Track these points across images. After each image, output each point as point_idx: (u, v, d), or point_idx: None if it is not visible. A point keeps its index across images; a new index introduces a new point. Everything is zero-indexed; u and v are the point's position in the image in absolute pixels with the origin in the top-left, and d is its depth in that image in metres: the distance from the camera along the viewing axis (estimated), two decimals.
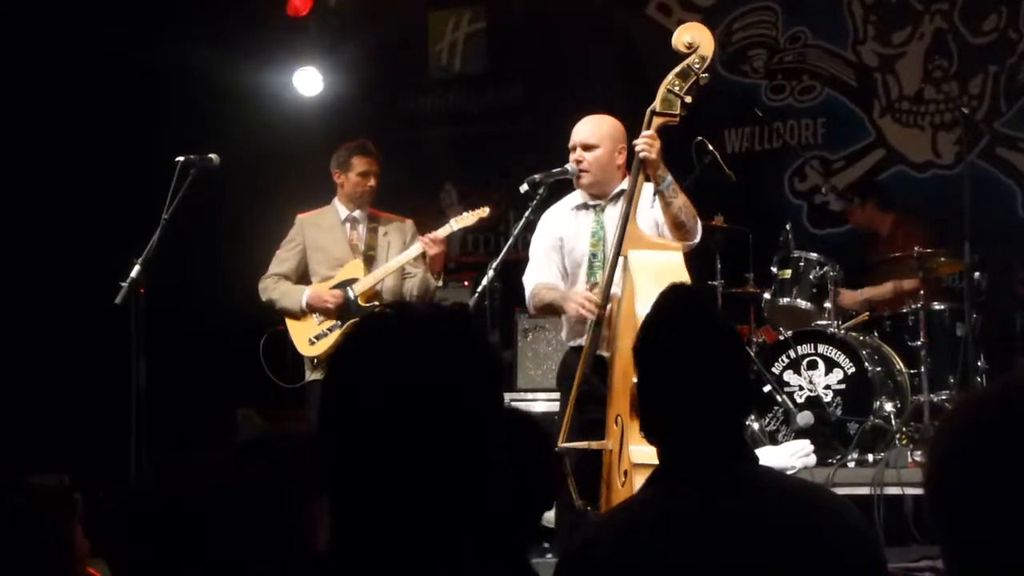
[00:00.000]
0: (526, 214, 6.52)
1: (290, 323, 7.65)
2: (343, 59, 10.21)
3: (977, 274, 7.89)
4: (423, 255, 7.49)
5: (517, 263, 6.82)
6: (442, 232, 7.39)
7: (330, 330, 7.47)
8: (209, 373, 9.08)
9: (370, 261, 7.62)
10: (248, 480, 2.30)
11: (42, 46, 9.25)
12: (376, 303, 7.42)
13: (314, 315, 7.55)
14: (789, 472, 7.16)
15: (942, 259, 8.14)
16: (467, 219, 7.50)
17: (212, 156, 7.07)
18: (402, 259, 7.53)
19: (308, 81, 9.83)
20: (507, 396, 8.91)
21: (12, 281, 8.97)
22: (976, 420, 1.60)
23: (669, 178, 6.00)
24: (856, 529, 2.65)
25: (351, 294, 7.50)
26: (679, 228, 6.05)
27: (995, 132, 9.48)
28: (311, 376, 7.53)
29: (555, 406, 7.14)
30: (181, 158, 7.02)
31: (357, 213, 7.72)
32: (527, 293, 6.57)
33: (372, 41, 10.33)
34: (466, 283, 9.34)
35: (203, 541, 2.23)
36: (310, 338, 7.53)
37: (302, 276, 7.72)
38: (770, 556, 2.53)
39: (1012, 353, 8.78)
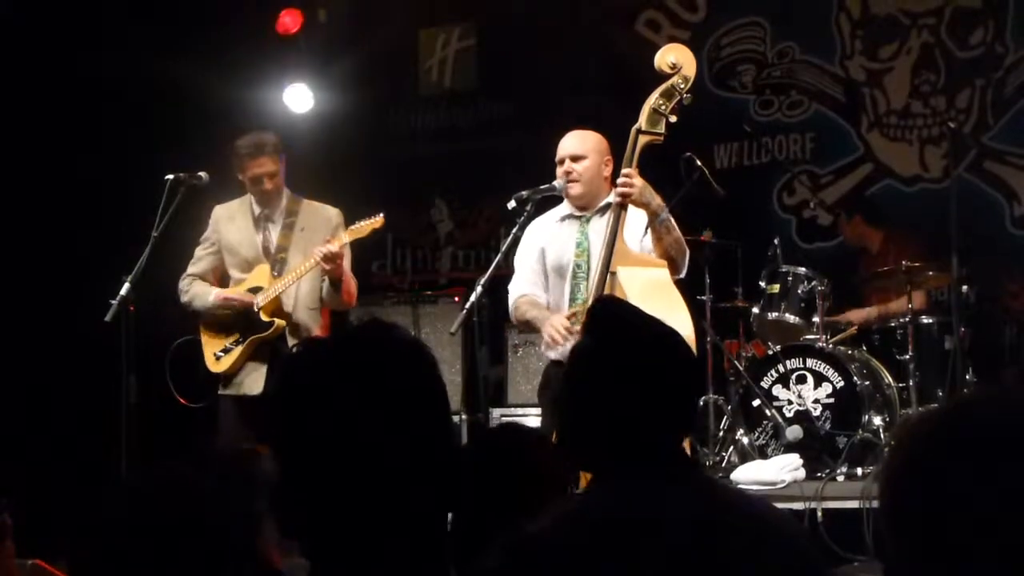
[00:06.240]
0: (514, 230, 6.54)
1: (203, 334, 7.20)
2: (333, 76, 10.23)
3: (965, 287, 7.93)
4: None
5: (505, 279, 6.84)
6: (334, 246, 6.79)
7: (235, 344, 7.03)
8: (198, 389, 9.07)
9: (280, 264, 7.09)
10: (202, 493, 2.33)
11: (32, 64, 9.27)
12: (276, 319, 6.94)
13: (221, 327, 7.10)
14: (779, 486, 7.20)
15: (930, 273, 8.17)
16: (361, 230, 6.88)
17: (201, 174, 7.07)
18: (301, 271, 6.95)
19: (298, 98, 9.84)
20: (498, 412, 8.97)
21: (2, 299, 8.98)
22: (927, 441, 1.63)
23: (665, 213, 6.01)
24: (797, 543, 2.60)
25: (255, 306, 7.01)
26: (668, 263, 6.07)
27: (983, 146, 9.51)
28: (222, 391, 7.08)
29: None
30: (171, 176, 7.04)
31: (268, 210, 7.19)
32: (510, 303, 6.61)
33: (362, 58, 10.35)
34: (456, 299, 9.36)
35: (160, 556, 2.25)
36: (216, 352, 7.09)
37: (223, 277, 7.26)
38: (703, 565, 2.49)
39: (1000, 366, 8.81)
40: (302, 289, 7.05)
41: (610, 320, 2.79)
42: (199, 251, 7.29)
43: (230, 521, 2.34)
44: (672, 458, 2.66)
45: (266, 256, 7.14)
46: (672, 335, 2.78)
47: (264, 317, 6.98)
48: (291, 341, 6.97)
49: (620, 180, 5.92)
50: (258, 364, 7.02)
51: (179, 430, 7.21)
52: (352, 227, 6.92)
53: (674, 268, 6.11)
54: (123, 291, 6.74)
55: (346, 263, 7.01)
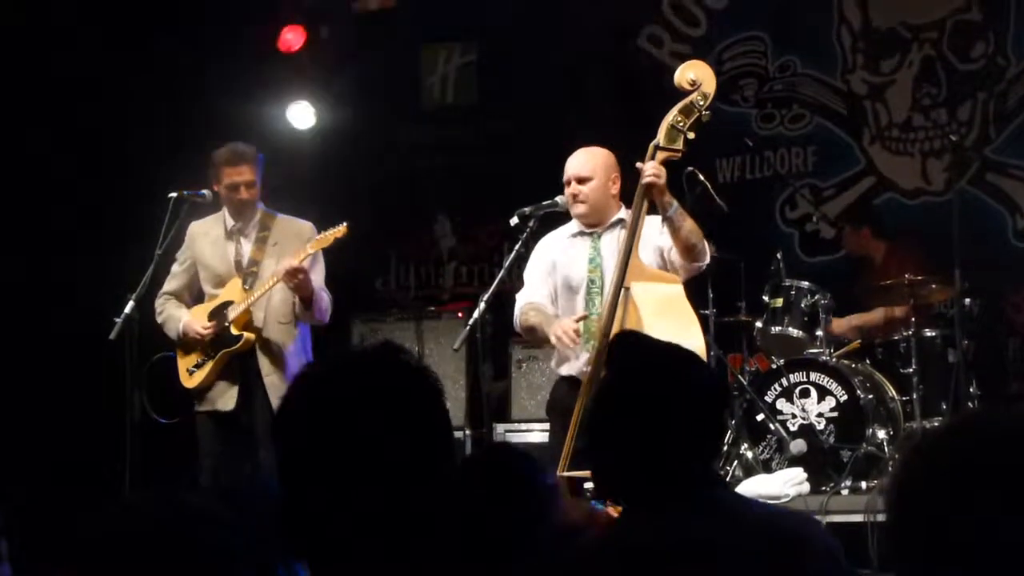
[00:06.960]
0: (516, 247, 6.55)
1: (178, 349, 7.14)
2: (336, 92, 10.24)
3: (968, 300, 7.93)
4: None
5: (508, 295, 6.85)
6: (296, 260, 6.70)
7: (206, 359, 6.94)
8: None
9: (252, 278, 6.98)
10: (190, 518, 2.33)
11: (33, 78, 9.29)
12: (246, 332, 6.88)
13: (194, 343, 7.00)
14: (783, 500, 7.19)
15: (933, 286, 8.16)
16: (324, 240, 6.78)
17: (205, 192, 7.09)
18: (269, 286, 6.87)
19: (301, 114, 9.84)
20: (502, 427, 8.96)
21: (6, 316, 8.99)
22: (932, 447, 1.65)
23: (675, 204, 6.05)
24: (827, 562, 2.62)
25: (226, 320, 6.95)
26: (690, 251, 6.09)
27: (985, 158, 9.51)
28: (197, 407, 7.01)
29: None
30: (174, 194, 7.06)
31: (242, 223, 7.10)
32: (516, 311, 6.59)
33: (364, 74, 10.37)
34: (460, 314, 9.35)
35: None
36: (188, 368, 7.01)
37: (199, 294, 7.18)
38: None
39: (1004, 379, 8.81)
40: (272, 303, 6.98)
41: (630, 353, 2.82)
42: (175, 267, 7.21)
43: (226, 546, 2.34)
44: (702, 482, 2.67)
45: (238, 270, 7.05)
46: (694, 362, 2.81)
47: (234, 331, 6.92)
48: (262, 355, 6.92)
49: (649, 169, 5.90)
50: (230, 379, 6.96)
51: (181, 446, 7.23)
52: (316, 237, 6.85)
53: (698, 255, 6.14)
54: (127, 309, 6.77)
55: (316, 277, 6.94)
